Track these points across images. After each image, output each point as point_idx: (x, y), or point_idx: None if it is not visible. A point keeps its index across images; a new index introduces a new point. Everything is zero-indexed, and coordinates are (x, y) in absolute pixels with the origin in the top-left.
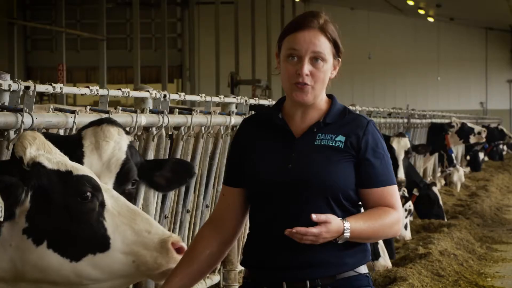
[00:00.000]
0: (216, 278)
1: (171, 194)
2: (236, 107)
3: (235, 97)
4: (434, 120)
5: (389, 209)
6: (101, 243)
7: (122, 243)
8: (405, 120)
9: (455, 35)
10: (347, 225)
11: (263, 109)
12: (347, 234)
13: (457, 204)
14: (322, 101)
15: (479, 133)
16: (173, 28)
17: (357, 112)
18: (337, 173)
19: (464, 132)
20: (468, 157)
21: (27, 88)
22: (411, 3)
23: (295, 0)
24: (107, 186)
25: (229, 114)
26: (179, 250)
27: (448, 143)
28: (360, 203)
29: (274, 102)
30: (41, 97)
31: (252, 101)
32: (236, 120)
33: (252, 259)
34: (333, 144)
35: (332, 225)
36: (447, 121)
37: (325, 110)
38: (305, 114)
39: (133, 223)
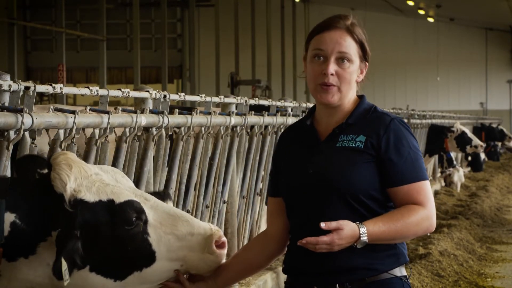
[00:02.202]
0: None
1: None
2: (236, 108)
3: (235, 98)
4: (434, 121)
5: (414, 207)
6: (147, 260)
7: (168, 251)
8: (405, 121)
9: (455, 36)
10: (363, 229)
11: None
12: (364, 239)
13: (457, 205)
14: (349, 103)
15: (476, 146)
16: (173, 28)
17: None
18: (355, 174)
19: (463, 140)
20: (469, 158)
21: (27, 88)
22: (411, 3)
23: (295, 0)
24: (146, 195)
25: (229, 115)
26: (221, 245)
27: (446, 146)
28: (391, 203)
29: (274, 103)
30: (41, 98)
31: (252, 102)
32: (236, 120)
33: (287, 265)
34: (353, 145)
35: (345, 231)
36: (447, 121)
37: (351, 111)
38: (331, 116)
39: (175, 230)
